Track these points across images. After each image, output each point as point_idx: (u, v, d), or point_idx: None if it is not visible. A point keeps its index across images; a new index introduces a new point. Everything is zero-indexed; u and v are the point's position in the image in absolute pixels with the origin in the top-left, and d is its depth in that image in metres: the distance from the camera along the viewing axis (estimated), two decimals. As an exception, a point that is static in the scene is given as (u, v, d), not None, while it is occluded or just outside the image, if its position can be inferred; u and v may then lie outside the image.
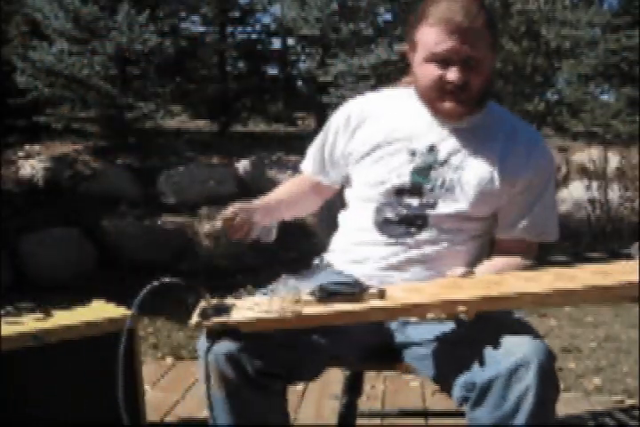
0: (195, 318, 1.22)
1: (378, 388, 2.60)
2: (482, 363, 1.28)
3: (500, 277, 1.31)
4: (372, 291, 1.19)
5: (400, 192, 1.54)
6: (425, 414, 2.32)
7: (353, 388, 1.69)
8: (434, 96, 1.50)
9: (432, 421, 2.23)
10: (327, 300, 1.19)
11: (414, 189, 1.53)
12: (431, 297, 1.24)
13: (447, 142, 1.54)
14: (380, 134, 1.58)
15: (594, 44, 6.58)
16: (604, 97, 7.10)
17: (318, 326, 1.29)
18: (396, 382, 2.65)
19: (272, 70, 7.26)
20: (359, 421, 1.76)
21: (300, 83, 7.15)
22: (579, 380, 2.75)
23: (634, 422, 2.37)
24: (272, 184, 2.16)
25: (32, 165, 4.93)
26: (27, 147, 5.35)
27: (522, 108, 6.50)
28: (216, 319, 1.21)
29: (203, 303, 1.22)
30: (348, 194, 1.66)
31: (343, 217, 1.67)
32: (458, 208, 1.52)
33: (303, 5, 6.33)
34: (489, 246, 1.62)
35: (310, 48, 6.76)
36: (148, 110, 5.38)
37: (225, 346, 1.31)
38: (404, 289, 1.31)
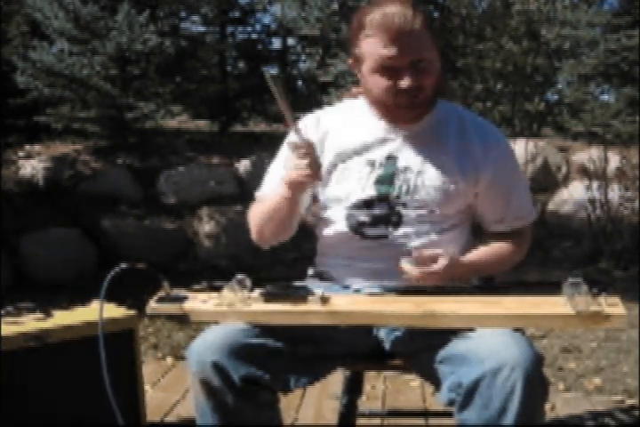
0: (152, 304, 1.31)
1: (378, 388, 2.60)
2: (467, 364, 1.28)
3: (436, 299, 1.33)
4: (315, 297, 1.29)
5: (368, 203, 1.54)
6: (425, 414, 2.32)
7: (353, 388, 1.69)
8: (389, 104, 1.50)
9: (432, 421, 2.22)
10: (273, 300, 1.30)
11: (381, 199, 1.53)
12: (363, 307, 1.32)
13: (404, 148, 1.54)
14: (337, 150, 1.56)
15: (594, 44, 6.57)
16: (604, 97, 7.09)
17: (266, 324, 1.34)
18: (396, 382, 2.65)
19: (272, 70, 7.26)
20: (359, 421, 1.76)
21: (300, 83, 7.15)
22: (579, 380, 2.75)
23: (634, 422, 2.37)
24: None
25: (32, 165, 4.93)
26: (27, 147, 5.35)
27: (522, 108, 6.50)
28: (170, 306, 1.31)
29: (161, 292, 1.33)
30: (318, 209, 1.64)
31: (319, 230, 1.64)
32: (426, 210, 1.52)
33: (303, 5, 6.32)
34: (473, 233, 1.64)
35: (310, 48, 6.76)
36: (148, 110, 5.38)
37: (212, 354, 1.32)
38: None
